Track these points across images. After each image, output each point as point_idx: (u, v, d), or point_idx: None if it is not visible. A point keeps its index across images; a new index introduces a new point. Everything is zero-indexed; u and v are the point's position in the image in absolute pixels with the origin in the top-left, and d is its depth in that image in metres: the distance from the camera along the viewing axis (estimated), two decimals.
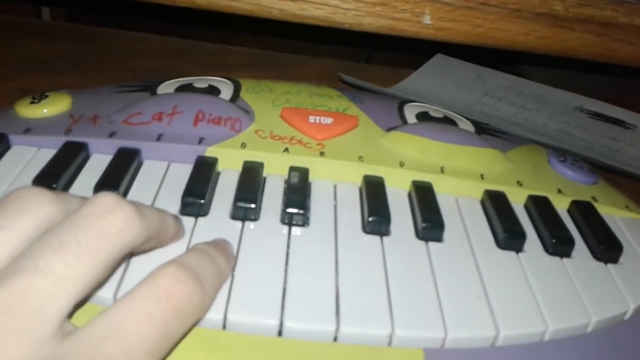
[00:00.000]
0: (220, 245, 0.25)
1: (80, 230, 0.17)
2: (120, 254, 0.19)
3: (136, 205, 0.20)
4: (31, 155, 0.30)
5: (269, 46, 0.62)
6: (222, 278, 0.23)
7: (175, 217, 0.25)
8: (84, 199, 0.20)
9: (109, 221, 0.18)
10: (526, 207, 0.33)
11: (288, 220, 0.28)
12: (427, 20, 0.37)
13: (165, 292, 0.18)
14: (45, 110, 0.33)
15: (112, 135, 0.31)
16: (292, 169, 0.31)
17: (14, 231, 0.17)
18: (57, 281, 0.16)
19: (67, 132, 0.31)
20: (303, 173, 0.31)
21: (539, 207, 0.32)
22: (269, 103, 0.36)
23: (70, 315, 0.18)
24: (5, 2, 0.70)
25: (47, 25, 0.67)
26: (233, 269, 0.25)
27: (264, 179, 0.31)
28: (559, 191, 0.33)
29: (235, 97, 0.36)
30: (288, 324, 0.23)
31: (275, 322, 0.23)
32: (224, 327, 0.23)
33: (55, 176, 0.28)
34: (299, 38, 0.57)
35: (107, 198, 0.19)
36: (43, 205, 0.18)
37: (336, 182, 0.32)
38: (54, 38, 0.59)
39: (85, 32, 0.61)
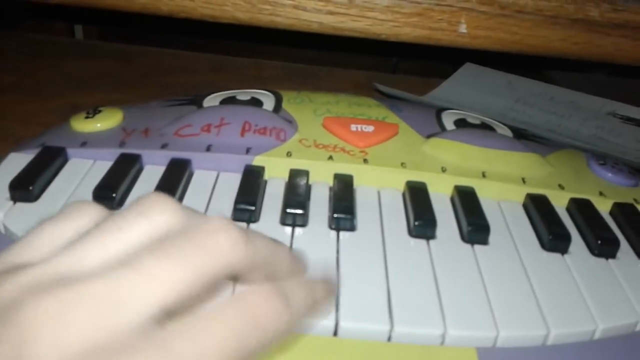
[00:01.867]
0: (324, 281, 0.23)
1: (185, 242, 0.18)
2: (218, 274, 0.18)
3: (246, 232, 0.20)
4: (88, 167, 0.32)
5: (293, 58, 0.63)
6: (314, 308, 0.22)
7: (294, 253, 0.23)
8: (205, 216, 0.20)
9: (214, 239, 0.18)
10: (568, 210, 0.33)
11: (336, 225, 0.29)
12: (463, 29, 0.37)
13: (250, 306, 0.18)
14: (99, 125, 0.34)
15: (164, 146, 0.33)
16: (337, 176, 0.32)
17: (128, 233, 0.18)
18: (149, 280, 0.17)
19: (121, 144, 0.33)
20: (347, 180, 0.32)
21: (582, 209, 0.32)
22: (311, 113, 0.37)
23: None
24: (40, 21, 0.73)
25: (87, 45, 0.69)
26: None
27: (310, 186, 0.32)
28: (601, 194, 0.34)
29: (277, 108, 0.37)
30: (343, 324, 0.24)
31: (330, 323, 0.24)
32: None
33: (114, 186, 0.29)
34: (322, 49, 0.59)
35: (219, 220, 0.19)
36: (163, 213, 0.19)
37: (380, 188, 0.33)
38: (94, 57, 0.61)
39: (123, 51, 0.63)
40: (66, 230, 0.19)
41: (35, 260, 0.18)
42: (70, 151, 0.33)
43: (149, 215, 0.19)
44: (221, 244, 0.18)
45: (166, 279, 0.17)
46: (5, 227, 0.28)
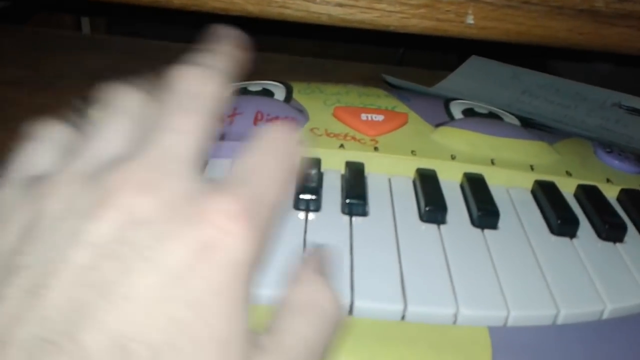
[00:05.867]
0: None
1: (181, 100, 0.19)
2: (216, 109, 0.19)
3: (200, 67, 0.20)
4: None
5: (298, 51, 0.64)
6: None
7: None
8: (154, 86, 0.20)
9: (198, 86, 0.19)
10: (576, 196, 0.34)
11: (349, 211, 0.30)
12: (470, 20, 0.38)
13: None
14: None
15: None
16: (348, 163, 0.33)
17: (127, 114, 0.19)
18: (184, 134, 0.18)
19: None
20: (359, 167, 0.33)
21: (590, 195, 0.33)
22: (321, 103, 0.38)
23: None
24: (48, 14, 0.74)
25: (96, 39, 0.70)
26: None
27: (322, 173, 0.33)
28: (608, 180, 0.34)
29: (288, 99, 0.38)
30: (358, 303, 0.25)
31: (346, 302, 0.25)
32: None
33: None
34: (325, 41, 0.59)
35: (186, 69, 0.19)
36: (134, 100, 0.19)
37: (390, 175, 0.33)
38: (104, 51, 0.62)
39: (132, 44, 0.64)
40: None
41: (59, 167, 0.18)
42: None
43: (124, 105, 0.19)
44: (201, 86, 0.19)
45: (194, 129, 0.18)
46: None
